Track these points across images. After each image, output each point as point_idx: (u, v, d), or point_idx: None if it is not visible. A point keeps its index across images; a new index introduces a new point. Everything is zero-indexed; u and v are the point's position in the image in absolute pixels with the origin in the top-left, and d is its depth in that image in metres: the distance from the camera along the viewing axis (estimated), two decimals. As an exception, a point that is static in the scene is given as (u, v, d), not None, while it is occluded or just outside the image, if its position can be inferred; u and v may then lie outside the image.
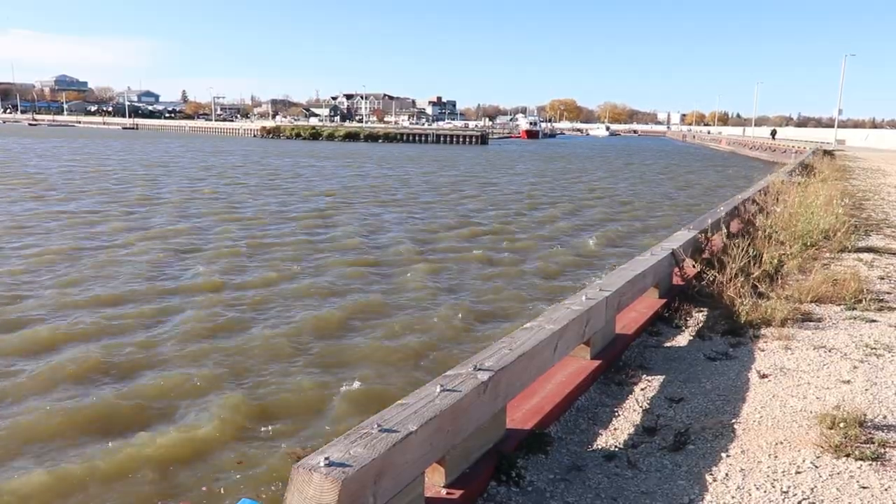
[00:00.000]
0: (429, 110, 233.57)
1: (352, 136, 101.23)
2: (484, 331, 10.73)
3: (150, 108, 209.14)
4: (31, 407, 7.78)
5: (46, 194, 26.98)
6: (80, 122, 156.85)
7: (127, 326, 10.62)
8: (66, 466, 6.51)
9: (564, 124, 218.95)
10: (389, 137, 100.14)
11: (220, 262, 15.28)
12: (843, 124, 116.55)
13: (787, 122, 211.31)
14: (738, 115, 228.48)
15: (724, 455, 4.03)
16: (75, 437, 7.19)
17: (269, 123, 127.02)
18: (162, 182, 33.49)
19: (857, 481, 3.67)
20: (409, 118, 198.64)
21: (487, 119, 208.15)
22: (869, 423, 4.34)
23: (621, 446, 4.25)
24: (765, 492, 3.59)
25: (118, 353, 9.43)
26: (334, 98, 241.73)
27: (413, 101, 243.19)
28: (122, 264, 14.72)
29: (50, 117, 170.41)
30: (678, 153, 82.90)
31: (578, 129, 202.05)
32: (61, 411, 7.65)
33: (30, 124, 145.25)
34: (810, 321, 6.79)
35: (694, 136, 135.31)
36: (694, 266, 8.31)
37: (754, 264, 8.19)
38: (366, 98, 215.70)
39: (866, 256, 9.94)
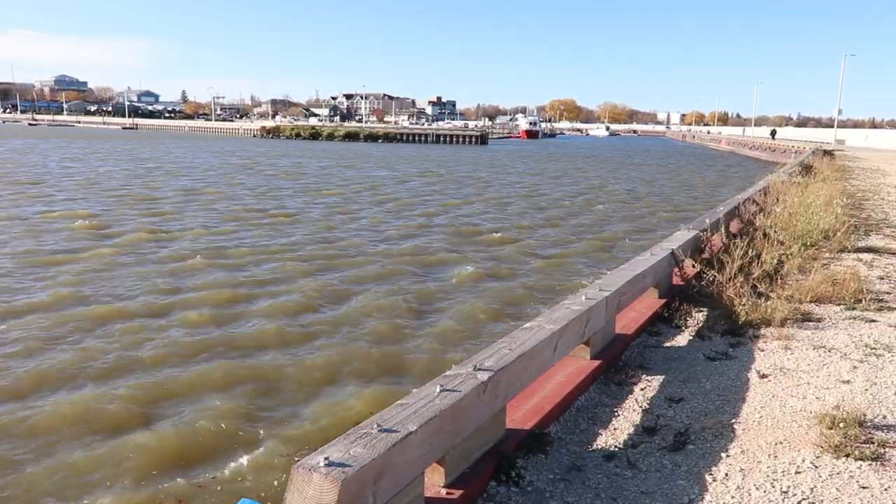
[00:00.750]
0: (429, 110, 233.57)
1: (351, 136, 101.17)
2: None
3: (149, 108, 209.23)
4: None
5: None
6: (79, 122, 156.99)
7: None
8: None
9: (564, 124, 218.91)
10: (389, 137, 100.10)
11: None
12: (843, 124, 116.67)
13: (786, 122, 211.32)
14: (738, 115, 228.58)
15: (723, 455, 4.03)
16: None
17: (269, 123, 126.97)
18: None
19: (857, 481, 3.67)
20: (408, 118, 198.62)
21: (487, 119, 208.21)
22: (869, 423, 4.34)
23: (621, 446, 4.25)
24: (764, 492, 3.59)
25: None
26: (334, 98, 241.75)
27: (413, 101, 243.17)
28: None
29: (50, 117, 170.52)
30: (679, 153, 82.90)
31: (578, 129, 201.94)
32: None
33: (29, 124, 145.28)
34: (810, 321, 6.78)
35: (694, 136, 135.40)
36: (694, 266, 8.31)
37: (754, 264, 8.19)
38: (365, 98, 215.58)
39: (866, 256, 9.94)
